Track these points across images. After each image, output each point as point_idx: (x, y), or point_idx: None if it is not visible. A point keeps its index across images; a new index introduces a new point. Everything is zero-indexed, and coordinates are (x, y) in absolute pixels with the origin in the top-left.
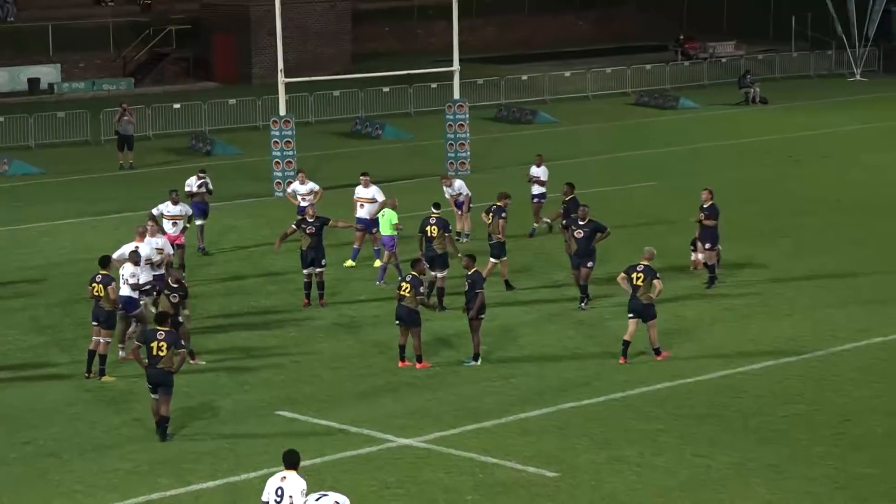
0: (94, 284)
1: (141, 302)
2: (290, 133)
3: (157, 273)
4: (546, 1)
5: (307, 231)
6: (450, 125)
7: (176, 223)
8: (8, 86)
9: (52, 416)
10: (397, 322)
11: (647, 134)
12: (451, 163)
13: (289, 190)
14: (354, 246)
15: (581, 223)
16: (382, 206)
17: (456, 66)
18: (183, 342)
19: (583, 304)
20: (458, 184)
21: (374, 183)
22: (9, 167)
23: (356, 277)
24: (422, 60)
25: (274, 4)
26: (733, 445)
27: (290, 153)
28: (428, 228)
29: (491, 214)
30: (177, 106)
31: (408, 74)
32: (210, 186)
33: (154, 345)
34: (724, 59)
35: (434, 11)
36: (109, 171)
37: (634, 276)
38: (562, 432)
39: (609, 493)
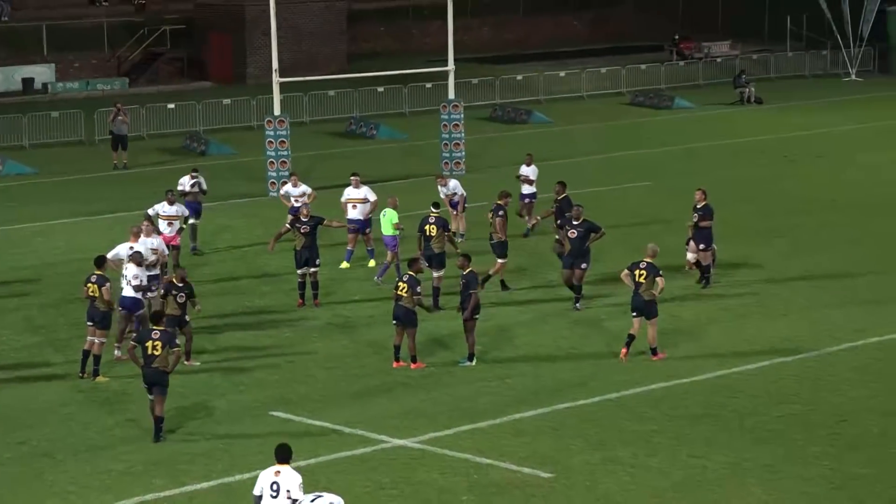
0: (89, 284)
1: (149, 295)
2: (284, 133)
3: (151, 273)
4: (541, 1)
5: (301, 231)
6: (445, 125)
7: (171, 223)
8: (2, 85)
9: (46, 417)
10: (394, 322)
11: (643, 134)
12: (446, 163)
13: (281, 192)
14: (348, 247)
15: (575, 223)
16: (375, 205)
17: (451, 66)
18: (177, 340)
19: (577, 305)
20: (453, 184)
21: (370, 183)
22: (2, 167)
23: (350, 277)
24: (417, 60)
25: (269, 4)
26: (729, 446)
27: (285, 153)
28: (427, 228)
29: (491, 213)
30: (171, 106)
31: (403, 74)
32: (204, 186)
33: (149, 344)
34: (719, 59)
35: (429, 11)
36: (103, 171)
37: (637, 272)
38: (556, 433)
39: (603, 493)
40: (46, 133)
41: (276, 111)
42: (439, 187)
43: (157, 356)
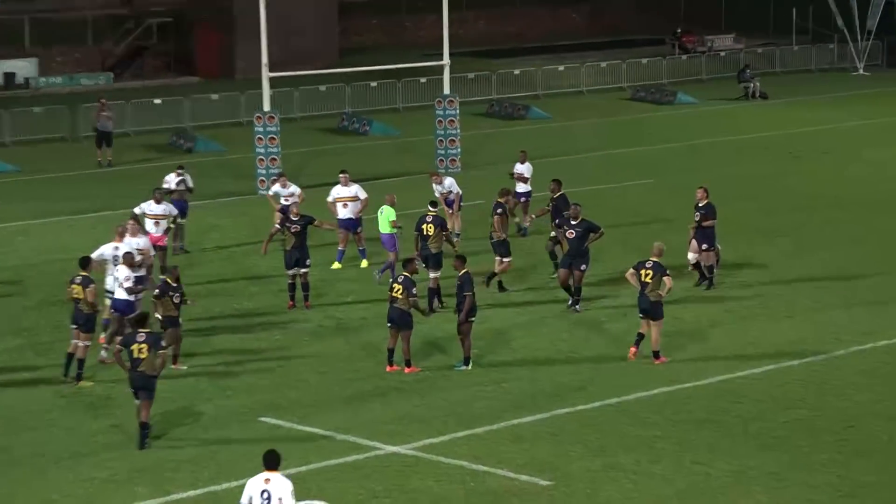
0: (73, 286)
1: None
2: (274, 129)
3: (137, 274)
4: None
5: (291, 230)
6: (440, 121)
7: (159, 223)
8: None
9: (28, 422)
10: (389, 324)
11: (644, 130)
12: (441, 160)
13: (270, 192)
14: (339, 248)
15: (573, 222)
16: (366, 203)
17: (446, 60)
18: (164, 342)
19: (577, 306)
20: (449, 181)
21: (362, 181)
22: None
23: (342, 278)
24: (410, 54)
25: None
26: (733, 452)
27: (275, 150)
28: (424, 227)
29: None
30: (157, 101)
31: (396, 69)
32: (190, 184)
33: (135, 347)
34: (722, 53)
35: (423, 3)
36: (87, 168)
37: (643, 272)
38: (555, 439)
39: (604, 501)
40: (29, 129)
41: (266, 107)
42: (434, 185)
43: (143, 360)
